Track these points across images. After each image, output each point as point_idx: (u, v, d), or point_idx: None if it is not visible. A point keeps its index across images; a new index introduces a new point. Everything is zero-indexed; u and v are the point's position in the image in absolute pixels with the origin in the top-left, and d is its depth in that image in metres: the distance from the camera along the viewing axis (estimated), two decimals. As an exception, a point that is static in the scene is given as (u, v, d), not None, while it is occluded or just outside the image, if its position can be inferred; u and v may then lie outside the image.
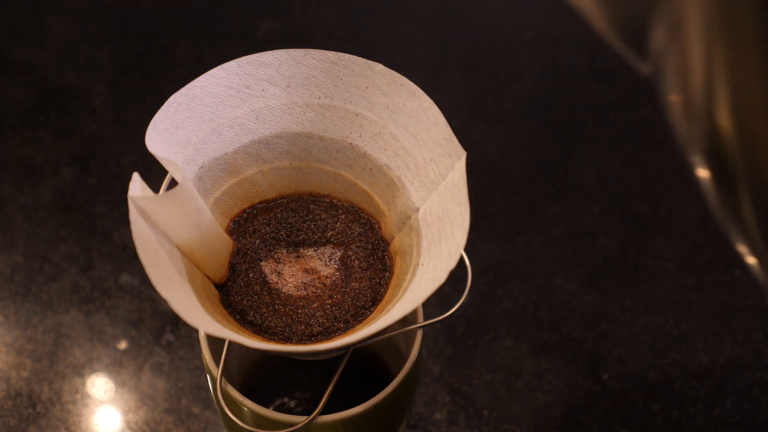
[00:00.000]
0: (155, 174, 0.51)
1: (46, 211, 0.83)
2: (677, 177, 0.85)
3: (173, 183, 0.51)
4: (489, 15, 1.00)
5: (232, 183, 0.57)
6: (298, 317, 0.54)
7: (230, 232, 0.57)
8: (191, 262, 0.52)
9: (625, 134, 0.89)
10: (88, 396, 0.73)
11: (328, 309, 0.54)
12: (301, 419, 0.53)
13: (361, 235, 0.56)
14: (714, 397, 0.73)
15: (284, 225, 0.57)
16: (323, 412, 0.53)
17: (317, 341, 0.53)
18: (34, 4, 0.98)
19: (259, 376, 0.67)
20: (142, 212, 0.48)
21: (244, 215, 0.57)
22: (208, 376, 0.57)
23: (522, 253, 0.81)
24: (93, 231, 0.82)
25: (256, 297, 0.54)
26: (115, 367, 0.74)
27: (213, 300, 0.53)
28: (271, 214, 0.58)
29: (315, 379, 0.66)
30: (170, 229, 0.50)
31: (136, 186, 0.48)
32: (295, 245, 0.57)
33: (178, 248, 0.51)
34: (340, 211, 0.57)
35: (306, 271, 0.56)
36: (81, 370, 0.74)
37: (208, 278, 0.54)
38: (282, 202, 0.58)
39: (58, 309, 0.77)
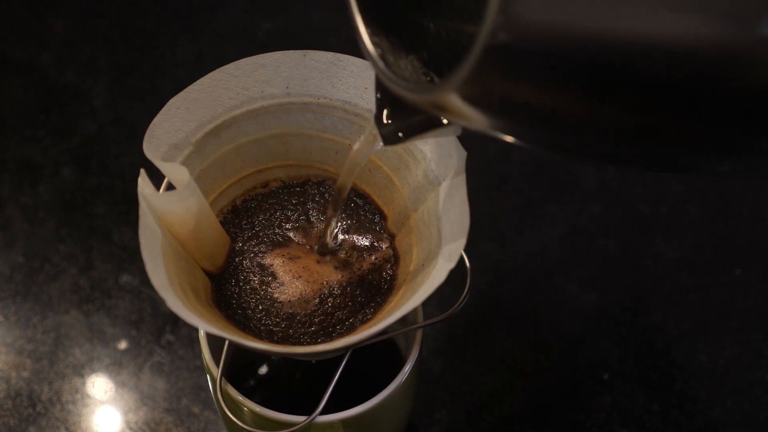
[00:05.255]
0: (155, 174, 0.51)
1: (46, 211, 0.83)
2: (677, 177, 0.85)
3: (172, 184, 0.51)
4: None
5: (231, 183, 0.57)
6: (298, 317, 0.54)
7: (230, 232, 0.57)
8: (192, 260, 0.52)
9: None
10: (88, 396, 0.73)
11: (328, 309, 0.54)
12: (301, 419, 0.53)
13: (361, 236, 0.56)
14: (714, 397, 0.73)
15: (284, 225, 0.57)
16: (323, 412, 0.53)
17: (317, 341, 0.53)
18: (34, 4, 0.98)
19: (259, 376, 0.67)
20: (150, 208, 0.48)
21: (244, 215, 0.57)
22: (208, 376, 0.57)
23: (522, 253, 0.80)
24: (93, 231, 0.82)
25: (256, 297, 0.54)
26: (115, 367, 0.74)
27: (213, 300, 0.53)
28: (271, 215, 0.58)
29: (315, 379, 0.66)
30: (173, 227, 0.50)
31: (145, 182, 0.49)
32: (295, 245, 0.57)
33: (180, 246, 0.51)
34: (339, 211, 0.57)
35: (306, 271, 0.56)
36: (81, 370, 0.74)
37: (209, 278, 0.54)
38: (282, 202, 0.58)
39: (58, 309, 0.77)
